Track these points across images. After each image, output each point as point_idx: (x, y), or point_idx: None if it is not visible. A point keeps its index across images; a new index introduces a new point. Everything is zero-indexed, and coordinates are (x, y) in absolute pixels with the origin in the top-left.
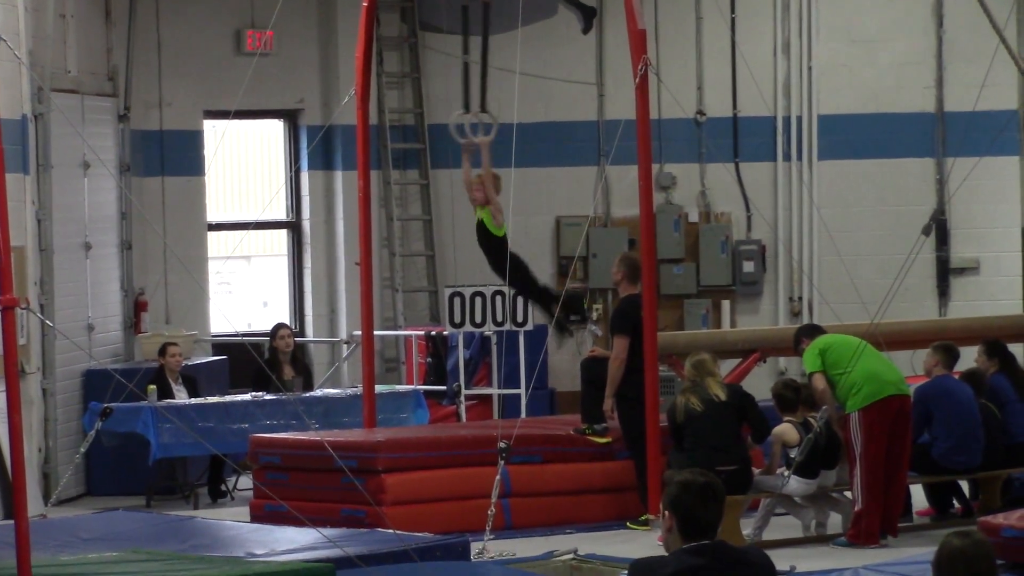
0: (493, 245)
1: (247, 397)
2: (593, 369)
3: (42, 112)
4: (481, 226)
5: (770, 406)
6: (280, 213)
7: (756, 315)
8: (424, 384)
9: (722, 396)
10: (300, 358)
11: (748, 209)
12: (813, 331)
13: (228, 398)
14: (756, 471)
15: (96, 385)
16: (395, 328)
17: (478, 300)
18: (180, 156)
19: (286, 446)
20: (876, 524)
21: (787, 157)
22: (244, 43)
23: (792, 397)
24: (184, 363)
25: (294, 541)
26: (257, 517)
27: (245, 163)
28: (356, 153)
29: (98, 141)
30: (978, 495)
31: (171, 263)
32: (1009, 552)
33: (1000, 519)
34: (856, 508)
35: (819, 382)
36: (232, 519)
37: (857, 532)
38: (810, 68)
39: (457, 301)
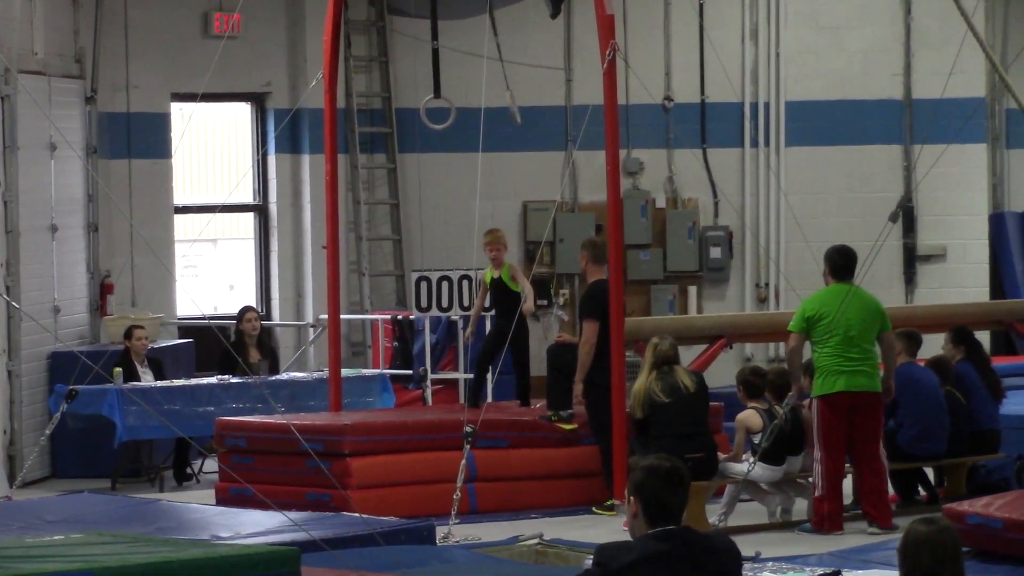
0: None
1: (213, 380)
2: (559, 355)
3: (8, 94)
4: (500, 283)
5: (732, 392)
6: (247, 196)
7: (723, 301)
8: (390, 368)
9: (690, 386)
10: (266, 341)
11: (715, 195)
12: (840, 270)
13: (194, 381)
14: (721, 456)
15: (62, 367)
16: (362, 312)
17: (445, 284)
18: (147, 139)
19: (252, 429)
20: (837, 510)
21: (754, 143)
22: (212, 26)
23: (759, 383)
24: (150, 346)
25: (259, 524)
26: (222, 500)
27: (212, 146)
28: (323, 137)
29: (65, 123)
30: (943, 482)
31: (137, 246)
32: (974, 539)
33: (965, 506)
34: (816, 494)
35: (793, 341)
36: (197, 502)
37: (820, 519)
38: (778, 54)
39: (424, 285)
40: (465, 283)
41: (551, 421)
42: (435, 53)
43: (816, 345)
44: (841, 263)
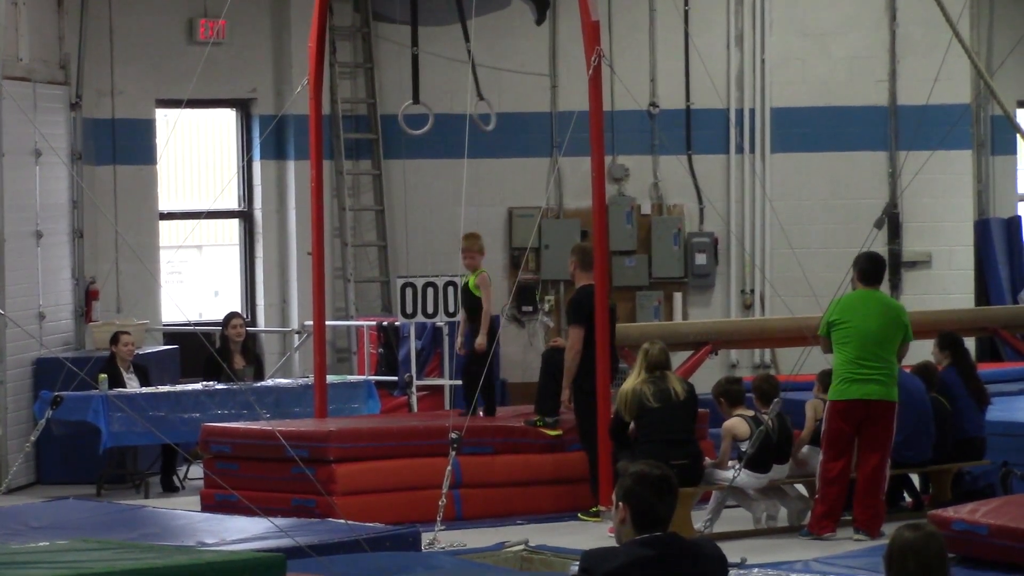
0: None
1: (198, 386)
2: (554, 359)
3: None
4: (466, 288)
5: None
6: (232, 202)
7: (708, 307)
8: (375, 374)
9: (681, 393)
10: (251, 348)
11: (700, 201)
12: (866, 276)
13: (179, 387)
14: (707, 463)
15: (47, 373)
16: (347, 318)
17: (430, 291)
18: (132, 145)
19: (237, 435)
20: (826, 511)
21: (740, 150)
22: (197, 32)
23: (738, 389)
24: (135, 352)
25: (245, 530)
26: (208, 506)
27: (197, 152)
28: (308, 143)
29: (50, 129)
30: (928, 488)
31: (123, 252)
32: (959, 545)
33: (951, 512)
34: (816, 496)
35: (823, 345)
36: (183, 508)
37: (812, 520)
38: (763, 61)
39: (409, 291)
40: (451, 289)
41: (536, 427)
42: (415, 59)
43: (835, 350)
44: (868, 269)
